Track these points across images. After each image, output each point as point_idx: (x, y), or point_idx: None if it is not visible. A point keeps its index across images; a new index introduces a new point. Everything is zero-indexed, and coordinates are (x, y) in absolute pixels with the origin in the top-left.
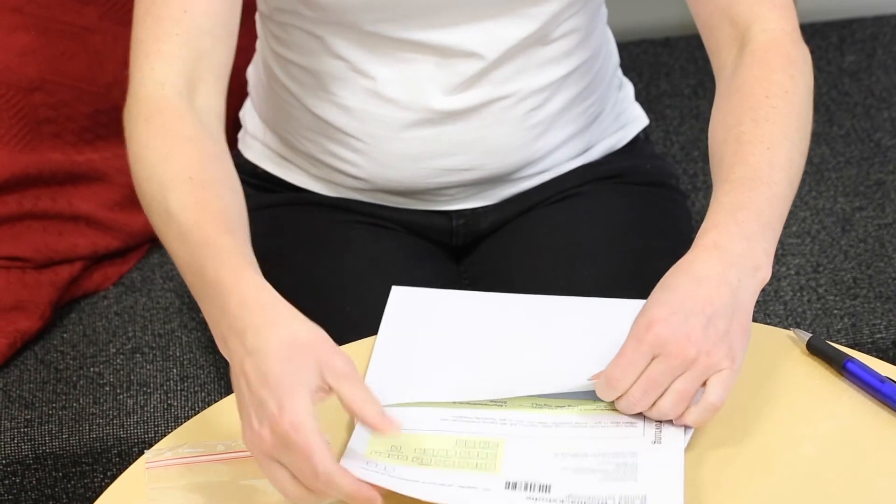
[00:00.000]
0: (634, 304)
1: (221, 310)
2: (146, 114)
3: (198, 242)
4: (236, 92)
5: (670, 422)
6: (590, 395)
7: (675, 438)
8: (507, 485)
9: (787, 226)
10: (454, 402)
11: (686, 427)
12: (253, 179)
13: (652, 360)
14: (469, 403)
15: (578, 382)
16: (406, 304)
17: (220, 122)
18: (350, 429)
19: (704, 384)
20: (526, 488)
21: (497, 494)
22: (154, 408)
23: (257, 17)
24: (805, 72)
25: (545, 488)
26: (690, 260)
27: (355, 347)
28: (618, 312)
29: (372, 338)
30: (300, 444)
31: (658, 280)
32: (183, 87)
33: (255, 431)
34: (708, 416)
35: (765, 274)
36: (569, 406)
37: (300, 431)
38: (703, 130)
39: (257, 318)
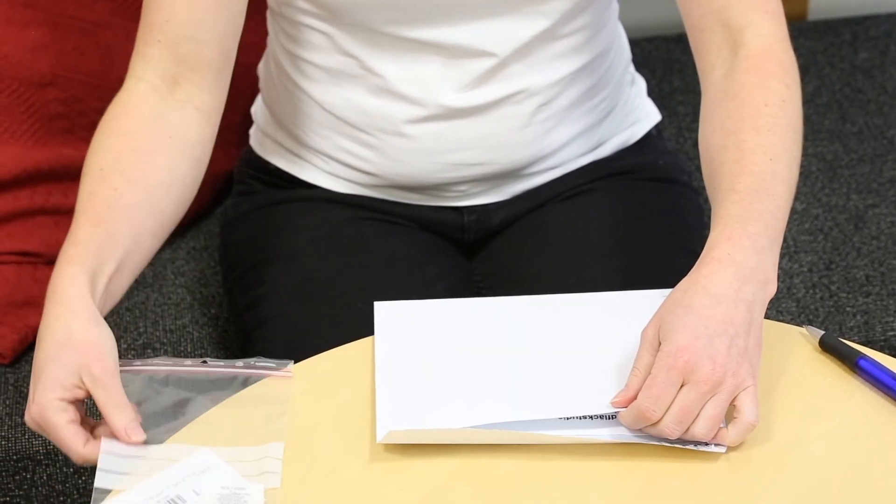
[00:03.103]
0: (622, 297)
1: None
2: (107, 112)
3: (70, 230)
4: (247, 88)
5: None
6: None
7: None
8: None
9: (800, 223)
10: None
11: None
12: (264, 175)
13: (681, 386)
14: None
15: (600, 407)
16: (395, 320)
17: (201, 114)
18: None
19: (733, 403)
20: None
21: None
22: None
23: (268, 13)
24: (797, 80)
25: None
26: (706, 275)
27: (367, 344)
28: (611, 306)
29: None
30: (50, 433)
31: (669, 276)
32: (160, 83)
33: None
34: (746, 435)
35: (773, 287)
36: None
37: (46, 424)
38: None
39: (51, 312)
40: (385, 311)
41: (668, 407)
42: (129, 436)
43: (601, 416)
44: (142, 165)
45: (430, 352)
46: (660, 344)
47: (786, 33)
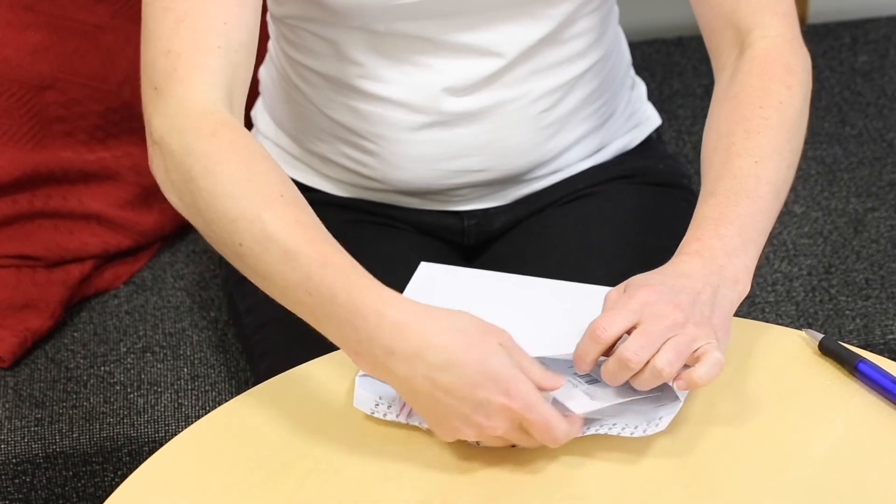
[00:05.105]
0: None
1: (370, 335)
2: (209, 129)
3: (317, 261)
4: (248, 91)
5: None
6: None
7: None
8: None
9: (799, 226)
10: None
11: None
12: None
13: (639, 322)
14: None
15: (561, 348)
16: (430, 278)
17: None
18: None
19: (694, 360)
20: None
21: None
22: (164, 407)
23: (269, 18)
24: (803, 80)
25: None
26: (675, 263)
27: None
28: None
29: None
30: (537, 418)
31: None
32: (228, 102)
33: (486, 426)
34: (715, 372)
35: (744, 287)
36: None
37: (535, 409)
38: None
39: (425, 338)
40: (425, 271)
41: (620, 336)
42: (553, 383)
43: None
44: (298, 191)
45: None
46: None
47: (796, 34)
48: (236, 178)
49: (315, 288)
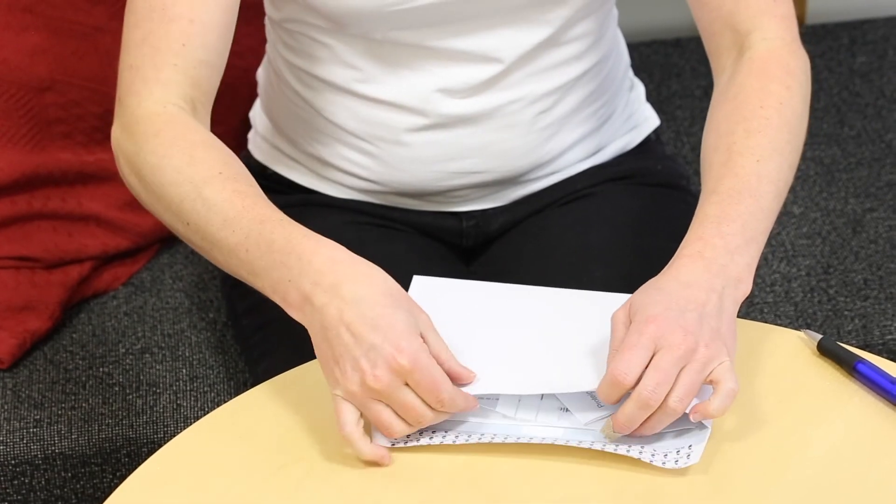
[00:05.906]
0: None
1: (302, 270)
2: (154, 129)
3: (255, 220)
4: (246, 93)
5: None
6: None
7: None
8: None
9: (797, 227)
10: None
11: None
12: (262, 181)
13: (653, 355)
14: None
15: (580, 384)
16: (425, 293)
17: None
18: None
19: (709, 382)
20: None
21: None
22: (163, 408)
23: (267, 21)
24: (802, 81)
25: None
26: (676, 267)
27: None
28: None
29: None
30: (425, 376)
31: None
32: (185, 105)
33: (368, 373)
34: (728, 403)
35: (746, 287)
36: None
37: (423, 366)
38: None
39: (351, 272)
40: (420, 285)
41: (641, 374)
42: (470, 376)
43: (590, 394)
44: (245, 169)
45: (442, 327)
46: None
47: (795, 36)
48: (179, 167)
49: (254, 244)
